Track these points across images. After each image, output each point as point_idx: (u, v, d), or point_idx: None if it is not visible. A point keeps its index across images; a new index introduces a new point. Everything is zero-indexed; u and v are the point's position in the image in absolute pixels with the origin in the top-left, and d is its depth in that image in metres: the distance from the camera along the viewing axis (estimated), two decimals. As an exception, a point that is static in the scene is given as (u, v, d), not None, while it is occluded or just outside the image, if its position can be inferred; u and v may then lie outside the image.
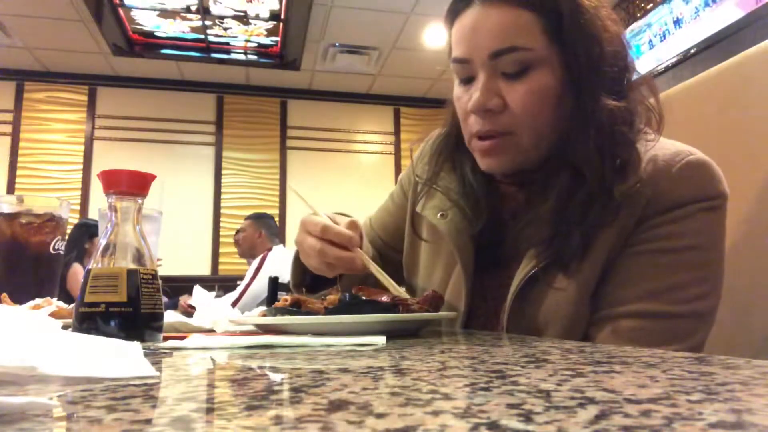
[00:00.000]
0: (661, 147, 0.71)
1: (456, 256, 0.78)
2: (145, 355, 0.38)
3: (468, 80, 0.73)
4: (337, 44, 4.41)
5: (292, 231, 4.78)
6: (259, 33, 4.30)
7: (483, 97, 0.70)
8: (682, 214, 0.68)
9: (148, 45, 4.45)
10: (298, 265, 0.84)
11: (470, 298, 0.77)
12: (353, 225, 0.75)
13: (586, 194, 0.68)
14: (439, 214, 0.81)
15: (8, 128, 4.82)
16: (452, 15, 0.74)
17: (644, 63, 3.56)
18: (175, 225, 4.32)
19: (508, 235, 0.77)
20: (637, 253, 0.68)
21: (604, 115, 0.68)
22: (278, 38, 4.36)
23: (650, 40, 3.58)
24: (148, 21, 4.13)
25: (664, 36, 3.47)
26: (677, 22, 3.36)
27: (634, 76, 0.74)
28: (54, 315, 0.68)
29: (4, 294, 0.81)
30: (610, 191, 0.67)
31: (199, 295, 0.82)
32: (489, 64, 0.70)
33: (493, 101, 0.70)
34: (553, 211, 0.70)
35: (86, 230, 3.41)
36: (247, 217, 3.69)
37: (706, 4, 3.15)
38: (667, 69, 3.38)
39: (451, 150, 0.83)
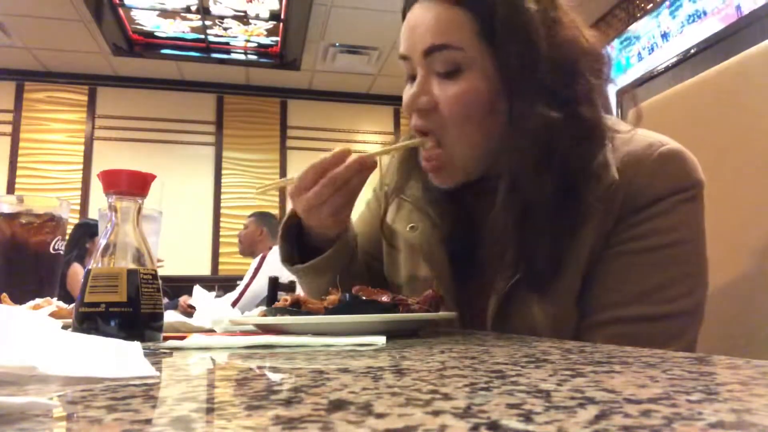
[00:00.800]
0: (630, 141, 0.69)
1: (430, 269, 0.77)
2: (145, 355, 0.38)
3: (412, 78, 0.73)
4: (337, 44, 4.41)
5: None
6: (259, 33, 4.30)
7: (414, 95, 0.70)
8: (661, 210, 0.66)
9: (148, 45, 4.45)
10: (286, 239, 0.83)
11: (455, 304, 0.75)
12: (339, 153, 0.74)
13: (539, 211, 0.66)
14: (408, 227, 0.80)
15: (8, 128, 4.82)
16: (403, 13, 0.74)
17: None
18: (175, 225, 4.32)
19: (481, 244, 0.76)
20: (620, 254, 0.67)
21: (539, 125, 0.65)
22: (278, 38, 4.36)
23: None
24: (148, 21, 4.14)
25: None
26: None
27: (605, 85, 0.71)
28: (54, 315, 0.68)
29: (4, 294, 0.81)
30: (577, 199, 0.66)
31: (199, 295, 0.82)
32: (424, 62, 0.70)
33: (423, 99, 0.70)
34: (505, 223, 0.68)
35: (87, 230, 3.41)
36: (251, 215, 3.69)
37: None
38: (667, 69, 3.38)
39: (417, 158, 0.80)
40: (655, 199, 0.66)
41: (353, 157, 0.72)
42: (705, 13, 3.14)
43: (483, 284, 0.74)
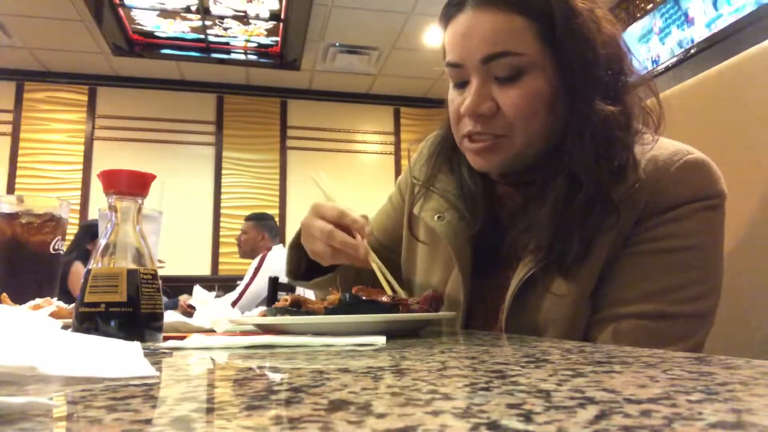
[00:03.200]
0: (659, 147, 0.71)
1: (453, 259, 0.78)
2: (145, 355, 0.38)
3: (462, 84, 0.73)
4: (337, 44, 4.41)
5: (292, 231, 4.77)
6: (259, 33, 4.30)
7: (475, 101, 0.70)
8: (682, 214, 0.68)
9: (148, 45, 4.45)
10: (295, 252, 0.86)
11: (469, 299, 0.76)
12: (365, 218, 0.77)
13: (584, 199, 0.68)
14: (436, 216, 0.81)
15: (8, 128, 4.82)
16: (446, 19, 0.74)
17: None
18: (175, 225, 4.32)
19: (506, 237, 0.77)
20: (637, 253, 0.68)
21: (599, 119, 0.68)
22: (278, 38, 4.36)
23: None
24: (148, 21, 4.14)
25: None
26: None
27: (633, 78, 0.73)
28: (54, 315, 0.68)
29: (4, 294, 0.81)
30: (608, 194, 0.67)
31: (199, 295, 0.82)
32: (481, 68, 0.70)
33: (486, 105, 0.70)
34: (550, 215, 0.69)
35: (88, 231, 3.42)
36: (248, 218, 3.67)
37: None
38: (668, 69, 3.39)
39: (449, 151, 0.83)
40: (676, 204, 0.68)
41: (352, 243, 0.74)
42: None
43: (500, 280, 0.75)
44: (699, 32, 3.21)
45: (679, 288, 0.67)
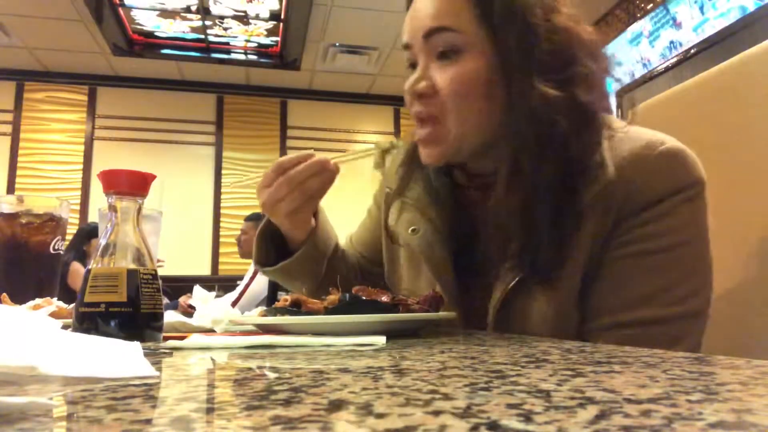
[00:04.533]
0: (629, 139, 0.69)
1: (432, 273, 0.77)
2: (145, 355, 0.38)
3: (413, 66, 0.75)
4: (337, 44, 4.41)
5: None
6: (259, 33, 4.30)
7: (414, 79, 0.71)
8: (662, 211, 0.66)
9: (148, 45, 4.45)
10: (263, 241, 0.86)
11: (456, 306, 0.75)
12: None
13: (543, 200, 0.66)
14: (411, 230, 0.80)
15: (8, 128, 4.82)
16: (408, 7, 0.77)
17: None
18: (175, 225, 4.32)
19: (482, 243, 0.76)
20: (622, 257, 0.67)
21: (538, 101, 0.65)
22: (278, 38, 4.36)
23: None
24: (148, 21, 4.14)
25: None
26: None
27: (596, 72, 0.70)
28: (54, 315, 0.68)
29: (4, 294, 0.81)
30: (575, 195, 0.66)
31: (199, 295, 0.82)
32: (424, 47, 0.71)
33: (422, 84, 0.71)
34: (514, 207, 0.68)
35: (84, 233, 3.43)
36: (248, 218, 3.67)
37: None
38: (667, 69, 3.39)
39: (418, 157, 0.81)
40: (655, 200, 0.66)
41: (315, 158, 0.75)
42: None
43: (485, 284, 0.74)
44: (687, 36, 3.27)
45: (668, 289, 0.65)
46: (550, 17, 0.69)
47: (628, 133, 0.70)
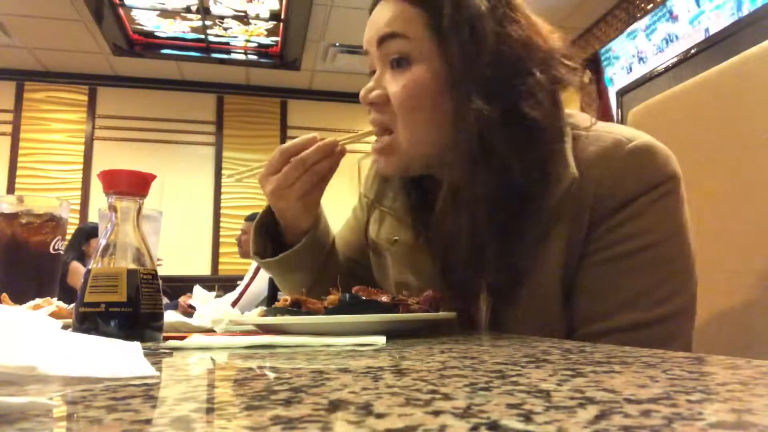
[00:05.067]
0: (596, 138, 0.67)
1: (417, 280, 0.77)
2: (145, 355, 0.38)
3: (372, 73, 0.75)
4: (337, 44, 4.41)
5: (292, 231, 4.77)
6: (259, 33, 4.30)
7: (366, 89, 0.72)
8: (637, 211, 0.64)
9: (148, 45, 4.45)
10: (259, 235, 0.85)
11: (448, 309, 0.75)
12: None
13: (491, 215, 0.65)
14: (393, 239, 0.80)
15: (8, 128, 4.82)
16: (369, 15, 0.77)
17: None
18: (175, 225, 4.32)
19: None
20: (600, 262, 0.65)
21: (475, 118, 0.64)
22: (278, 38, 4.36)
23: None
24: (148, 21, 4.14)
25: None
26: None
27: (556, 80, 0.69)
28: (54, 315, 0.68)
29: (4, 294, 0.81)
30: (532, 204, 0.65)
31: (199, 295, 0.82)
32: (378, 53, 0.72)
33: (374, 93, 0.72)
34: (460, 221, 0.67)
35: (83, 232, 3.44)
36: (248, 218, 3.67)
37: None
38: (668, 69, 3.39)
39: None
40: (627, 201, 0.64)
41: (325, 141, 0.76)
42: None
43: (473, 287, 0.73)
44: (683, 29, 3.28)
45: (651, 291, 0.64)
46: (501, 28, 0.67)
47: (595, 133, 0.68)
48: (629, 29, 3.72)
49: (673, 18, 3.36)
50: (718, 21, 3.04)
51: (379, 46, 0.72)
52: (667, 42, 3.40)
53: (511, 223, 0.66)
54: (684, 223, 0.66)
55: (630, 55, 3.70)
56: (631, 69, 3.72)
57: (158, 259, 0.83)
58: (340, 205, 1.10)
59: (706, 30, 3.12)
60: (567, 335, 0.68)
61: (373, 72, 0.75)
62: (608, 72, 3.92)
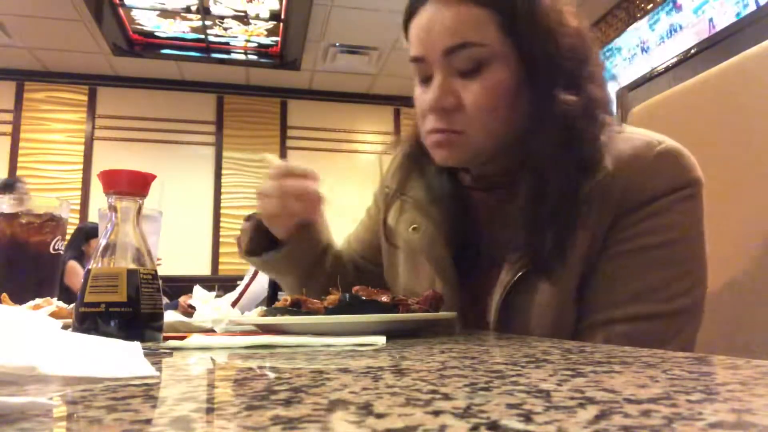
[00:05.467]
0: (628, 138, 0.70)
1: (433, 270, 0.77)
2: (145, 355, 0.38)
3: (426, 80, 0.73)
4: (337, 44, 4.41)
5: (292, 231, 4.77)
6: (259, 33, 4.30)
7: (438, 96, 0.70)
8: (660, 208, 0.67)
9: (148, 45, 4.45)
10: (252, 230, 0.88)
11: (457, 304, 0.75)
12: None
13: (554, 195, 0.67)
14: (411, 228, 0.80)
15: (8, 128, 4.82)
16: (408, 16, 0.74)
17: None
18: (175, 225, 4.31)
19: (484, 239, 0.76)
20: (619, 253, 0.67)
21: (561, 110, 0.67)
22: (278, 38, 4.36)
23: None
24: (148, 21, 4.13)
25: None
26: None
27: (598, 69, 0.73)
28: (54, 315, 0.68)
29: (4, 294, 0.81)
30: (576, 190, 0.66)
31: (199, 295, 0.82)
32: (443, 62, 0.70)
33: (448, 100, 0.70)
34: (522, 215, 0.69)
35: (82, 232, 3.43)
36: (247, 218, 3.66)
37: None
38: (668, 69, 3.39)
39: (419, 156, 0.81)
40: (652, 198, 0.67)
41: (309, 182, 0.81)
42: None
43: (485, 282, 0.74)
44: (687, 18, 3.27)
45: (666, 284, 0.66)
46: (561, 19, 0.70)
47: (627, 133, 0.71)
48: (629, 28, 3.71)
49: (677, 7, 3.34)
50: (722, 10, 3.02)
51: (447, 56, 0.69)
52: (669, 33, 3.38)
53: (559, 207, 0.68)
54: (701, 229, 0.69)
55: (633, 45, 3.68)
56: (632, 59, 3.70)
57: (158, 259, 0.84)
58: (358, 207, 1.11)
59: (710, 20, 3.10)
60: (574, 327, 0.69)
61: (425, 79, 0.73)
62: (610, 64, 3.89)
